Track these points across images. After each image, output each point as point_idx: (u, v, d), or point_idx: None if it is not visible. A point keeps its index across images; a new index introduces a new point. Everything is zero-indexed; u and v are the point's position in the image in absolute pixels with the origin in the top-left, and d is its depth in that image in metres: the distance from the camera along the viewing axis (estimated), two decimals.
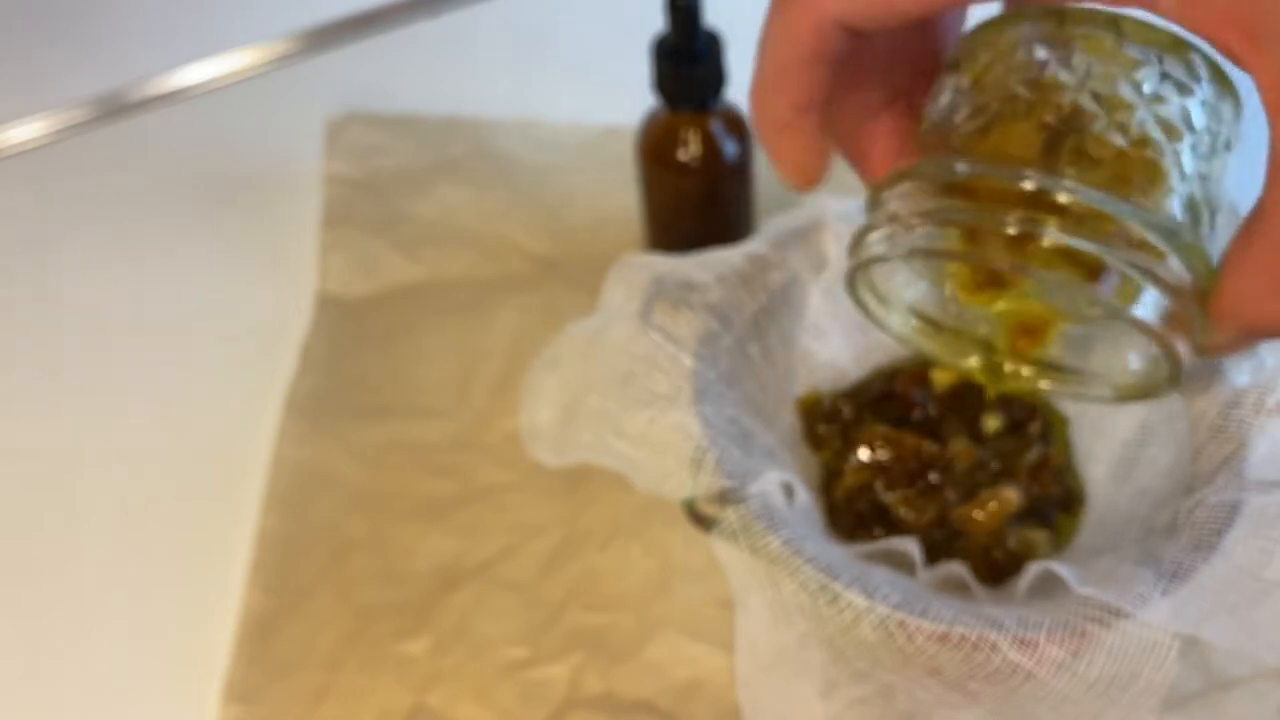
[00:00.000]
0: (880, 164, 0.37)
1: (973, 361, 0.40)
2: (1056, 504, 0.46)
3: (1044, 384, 0.39)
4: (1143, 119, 0.32)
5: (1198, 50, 0.33)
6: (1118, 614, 0.36)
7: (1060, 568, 0.38)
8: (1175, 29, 0.32)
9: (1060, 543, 0.45)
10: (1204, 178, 0.33)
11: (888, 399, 0.49)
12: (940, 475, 0.46)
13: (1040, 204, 0.32)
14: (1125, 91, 0.32)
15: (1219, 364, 0.41)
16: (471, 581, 0.52)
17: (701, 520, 0.40)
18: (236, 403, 0.59)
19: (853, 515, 0.46)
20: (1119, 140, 0.32)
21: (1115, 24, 0.33)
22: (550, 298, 0.61)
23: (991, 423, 0.47)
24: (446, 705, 0.49)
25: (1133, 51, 0.33)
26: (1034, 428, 0.47)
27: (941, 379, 0.48)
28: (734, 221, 0.58)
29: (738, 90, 0.54)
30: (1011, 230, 0.31)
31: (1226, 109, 0.34)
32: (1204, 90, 0.33)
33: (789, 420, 0.48)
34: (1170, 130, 0.32)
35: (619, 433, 0.43)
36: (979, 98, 0.34)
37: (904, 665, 0.37)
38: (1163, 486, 0.42)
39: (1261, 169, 0.31)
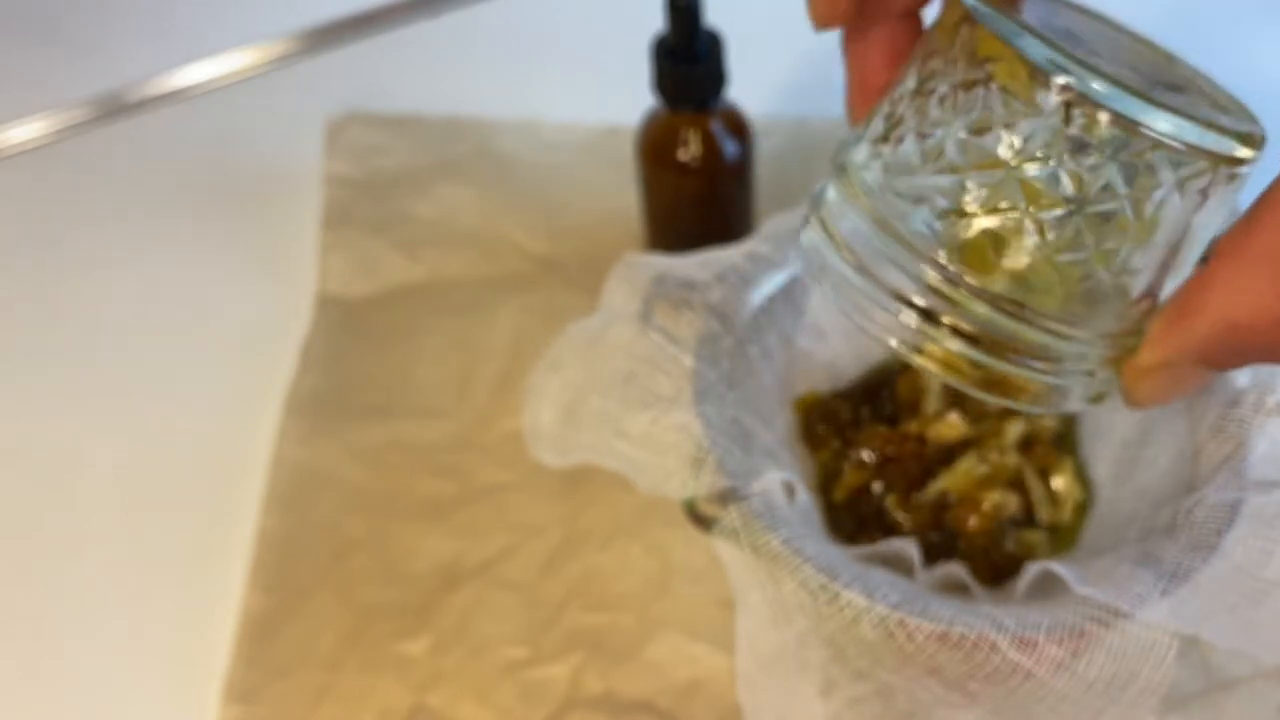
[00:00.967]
0: (869, 77, 0.37)
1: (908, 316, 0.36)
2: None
3: (972, 353, 0.35)
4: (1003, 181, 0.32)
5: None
6: (1117, 614, 0.36)
7: (1059, 568, 0.38)
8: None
9: (1065, 544, 0.45)
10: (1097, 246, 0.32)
11: (886, 399, 0.49)
12: (935, 466, 0.46)
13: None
14: (1000, 150, 0.32)
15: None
16: (472, 581, 0.52)
17: (702, 520, 0.40)
18: (236, 403, 0.59)
19: (851, 517, 0.46)
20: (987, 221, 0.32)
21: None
22: (550, 298, 0.61)
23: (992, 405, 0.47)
24: (446, 705, 0.49)
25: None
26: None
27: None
28: (734, 221, 0.58)
29: (738, 90, 0.55)
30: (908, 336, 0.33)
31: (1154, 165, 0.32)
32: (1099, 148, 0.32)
33: (787, 420, 0.48)
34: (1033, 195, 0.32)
35: (620, 433, 0.43)
36: (903, 120, 0.34)
37: (904, 665, 0.37)
38: (1163, 486, 0.42)
39: None
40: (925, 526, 0.45)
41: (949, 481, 0.45)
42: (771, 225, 0.48)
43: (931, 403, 0.47)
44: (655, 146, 0.56)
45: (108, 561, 0.54)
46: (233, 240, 0.65)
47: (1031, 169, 0.31)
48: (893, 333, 0.34)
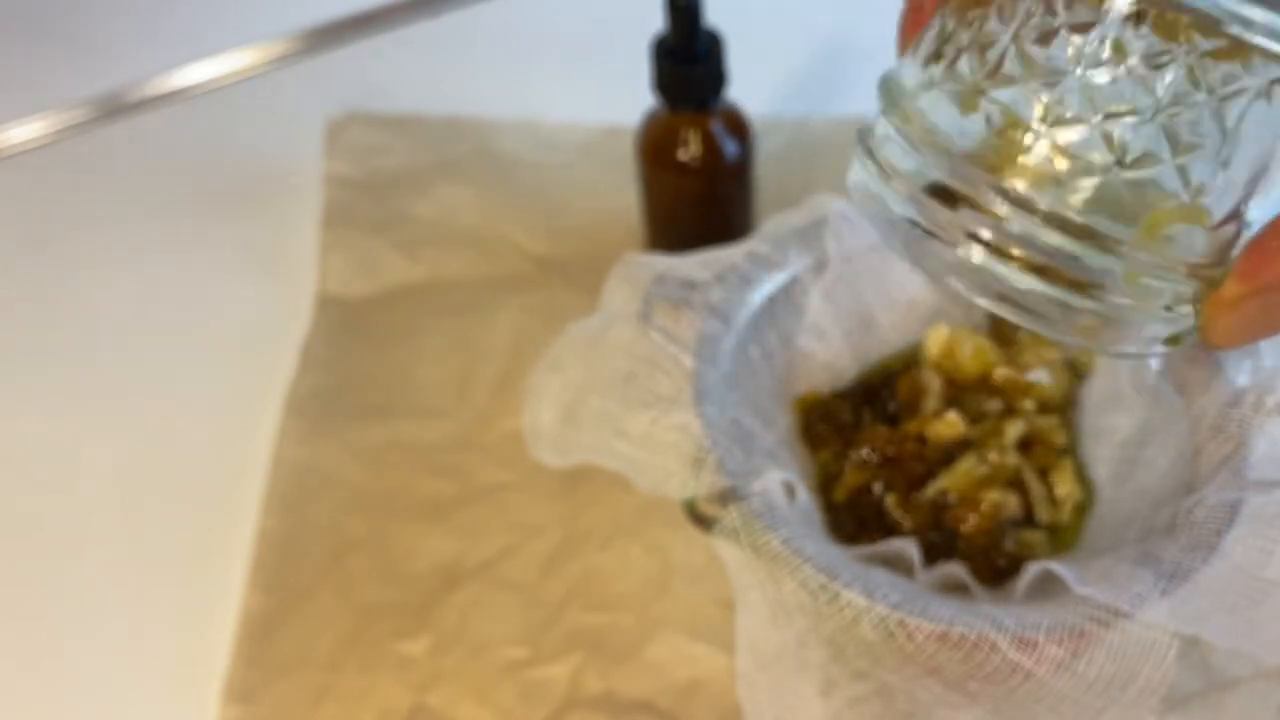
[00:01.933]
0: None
1: (972, 251, 0.33)
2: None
3: (1042, 287, 0.32)
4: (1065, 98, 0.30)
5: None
6: (1117, 614, 0.36)
7: (1059, 568, 0.38)
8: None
9: (1065, 544, 0.45)
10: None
11: (886, 398, 0.49)
12: (936, 467, 0.46)
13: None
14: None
15: (1218, 364, 0.41)
16: (471, 581, 0.52)
17: (702, 520, 0.40)
18: (236, 403, 0.59)
19: (852, 517, 0.46)
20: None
21: None
22: (550, 298, 0.61)
23: (992, 405, 0.47)
24: (446, 705, 0.49)
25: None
26: (1026, 404, 0.47)
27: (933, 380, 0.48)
28: (734, 221, 0.58)
29: (738, 90, 0.55)
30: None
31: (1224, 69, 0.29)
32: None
33: (787, 420, 0.48)
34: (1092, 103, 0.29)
35: (621, 433, 0.43)
36: (957, 35, 0.32)
37: (904, 665, 0.37)
38: (1162, 486, 0.42)
39: None
40: (925, 526, 0.45)
41: (949, 481, 0.45)
42: (771, 225, 0.48)
43: (931, 402, 0.47)
44: (655, 146, 0.56)
45: (108, 561, 0.54)
46: (233, 240, 0.65)
47: (1098, 75, 0.29)
48: (955, 271, 0.31)
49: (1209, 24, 0.28)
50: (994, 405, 0.47)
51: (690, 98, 0.54)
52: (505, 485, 0.54)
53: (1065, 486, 0.46)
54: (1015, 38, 0.30)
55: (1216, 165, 0.29)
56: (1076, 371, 0.48)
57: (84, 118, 0.71)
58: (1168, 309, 0.31)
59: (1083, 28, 0.29)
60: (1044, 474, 0.46)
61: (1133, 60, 0.29)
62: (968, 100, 0.31)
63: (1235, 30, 0.28)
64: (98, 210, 0.68)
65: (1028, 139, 0.30)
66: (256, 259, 0.64)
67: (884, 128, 0.33)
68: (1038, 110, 0.30)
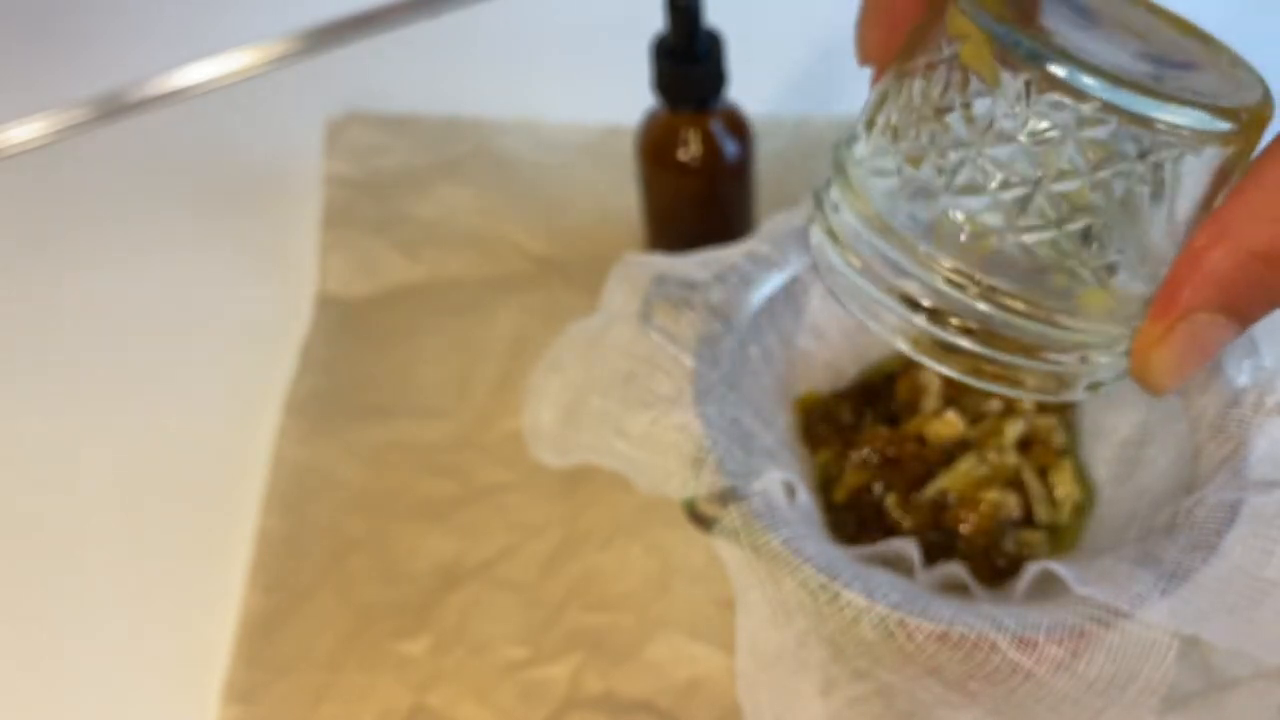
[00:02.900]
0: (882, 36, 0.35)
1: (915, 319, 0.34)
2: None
3: (987, 352, 0.33)
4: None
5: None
6: (1117, 614, 0.36)
7: (1059, 568, 0.38)
8: None
9: (1065, 544, 0.45)
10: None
11: (887, 399, 0.49)
12: (936, 468, 0.46)
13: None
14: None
15: (1219, 363, 0.41)
16: (471, 581, 0.52)
17: (701, 520, 0.40)
18: (236, 403, 0.58)
19: (852, 517, 0.46)
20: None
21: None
22: (550, 298, 0.60)
23: (992, 404, 0.47)
24: (446, 705, 0.49)
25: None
26: (1026, 404, 0.47)
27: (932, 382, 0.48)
28: (734, 221, 0.58)
29: (738, 90, 0.55)
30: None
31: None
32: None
33: (787, 420, 0.48)
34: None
35: (621, 433, 0.43)
36: (887, 102, 0.33)
37: (904, 664, 0.37)
38: (1163, 486, 0.42)
39: None
40: (925, 526, 0.45)
41: (949, 482, 0.45)
42: (771, 225, 0.48)
43: (930, 401, 0.47)
44: (655, 146, 0.56)
45: (108, 561, 0.54)
46: (233, 240, 0.65)
47: (994, 149, 0.31)
48: (900, 333, 0.33)
49: (1091, 102, 0.30)
50: (994, 405, 0.47)
51: (690, 97, 0.54)
52: (505, 485, 0.54)
53: (1065, 486, 0.46)
54: (922, 110, 0.32)
55: (1110, 229, 0.31)
56: None
57: (84, 118, 0.71)
58: (1100, 360, 0.33)
59: (979, 101, 0.31)
60: (1044, 474, 0.46)
61: (1024, 134, 0.30)
62: (894, 174, 0.33)
63: (1118, 112, 0.30)
64: (98, 210, 0.68)
65: (941, 211, 0.32)
66: (256, 259, 0.64)
67: (834, 190, 0.35)
68: (943, 182, 0.31)
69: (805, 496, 0.42)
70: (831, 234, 0.34)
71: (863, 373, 0.50)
